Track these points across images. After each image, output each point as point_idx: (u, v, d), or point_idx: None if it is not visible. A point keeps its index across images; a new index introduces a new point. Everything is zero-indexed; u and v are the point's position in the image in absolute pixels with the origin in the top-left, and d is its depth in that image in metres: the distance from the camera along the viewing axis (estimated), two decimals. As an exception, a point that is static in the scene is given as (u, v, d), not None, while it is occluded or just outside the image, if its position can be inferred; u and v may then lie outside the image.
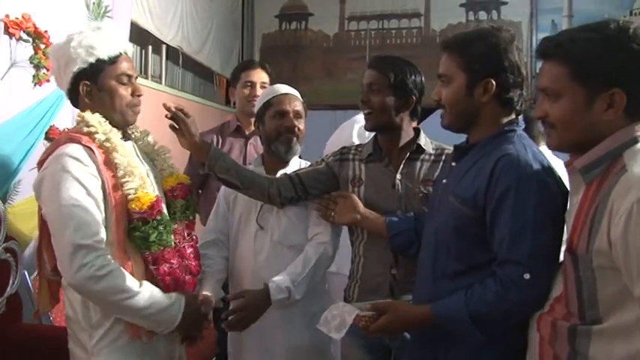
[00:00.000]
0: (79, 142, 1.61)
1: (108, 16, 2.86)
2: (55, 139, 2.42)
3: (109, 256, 1.55)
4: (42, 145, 2.37)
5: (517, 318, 1.39)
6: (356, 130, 2.63)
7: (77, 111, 2.54)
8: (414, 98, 1.88)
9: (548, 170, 1.43)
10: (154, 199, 1.64)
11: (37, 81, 2.33)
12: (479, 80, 1.50)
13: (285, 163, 2.11)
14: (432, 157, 1.89)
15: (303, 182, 1.98)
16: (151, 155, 1.87)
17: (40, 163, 1.67)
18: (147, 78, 4.42)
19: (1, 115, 2.19)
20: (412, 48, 5.99)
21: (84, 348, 1.63)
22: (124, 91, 1.71)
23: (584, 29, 1.22)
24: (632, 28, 1.16)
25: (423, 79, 1.91)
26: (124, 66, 1.71)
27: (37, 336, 2.09)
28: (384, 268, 1.88)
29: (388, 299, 1.74)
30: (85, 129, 1.64)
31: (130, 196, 1.60)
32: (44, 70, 2.33)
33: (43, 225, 1.67)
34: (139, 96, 1.76)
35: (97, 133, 1.63)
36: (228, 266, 2.10)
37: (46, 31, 2.30)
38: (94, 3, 2.71)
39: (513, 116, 1.56)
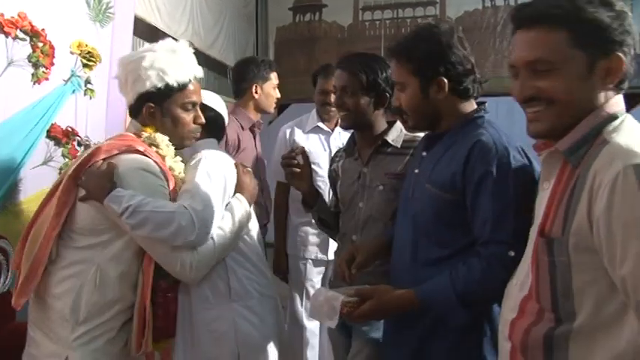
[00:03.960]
0: (154, 160, 1.65)
1: (110, 13, 2.86)
2: (57, 136, 2.45)
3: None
4: (43, 144, 2.39)
5: (499, 298, 1.38)
6: (287, 135, 2.99)
7: (80, 108, 2.59)
8: (388, 95, 1.91)
9: (523, 154, 1.46)
10: None
11: (36, 79, 2.34)
12: (431, 81, 1.55)
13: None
14: (399, 151, 1.92)
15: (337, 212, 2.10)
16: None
17: (90, 157, 1.66)
18: (157, 74, 4.44)
19: (0, 114, 2.20)
20: (428, 37, 5.89)
21: (57, 340, 1.62)
22: (187, 118, 1.75)
23: None
24: None
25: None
26: (191, 93, 1.74)
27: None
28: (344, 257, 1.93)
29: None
30: (154, 148, 1.68)
31: None
32: (43, 69, 2.35)
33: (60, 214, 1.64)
34: (201, 124, 1.79)
35: (166, 157, 1.70)
36: None
37: (43, 29, 2.32)
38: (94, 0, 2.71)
39: (473, 102, 1.60)
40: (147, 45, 1.85)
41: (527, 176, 1.42)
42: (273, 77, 3.05)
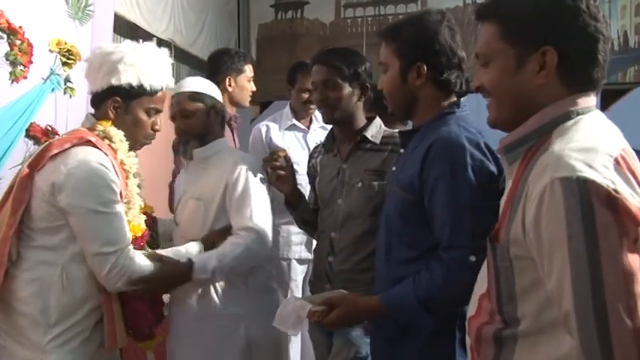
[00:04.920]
0: (105, 154, 1.64)
1: (89, 11, 2.85)
2: (36, 135, 2.42)
3: (131, 254, 1.65)
4: (22, 143, 2.37)
5: (465, 301, 1.35)
6: (264, 133, 2.99)
7: (60, 107, 2.57)
8: (368, 86, 1.92)
9: (485, 151, 1.42)
10: (140, 232, 1.74)
11: (14, 78, 2.33)
12: (411, 65, 1.52)
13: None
14: (378, 147, 1.91)
15: (316, 209, 2.08)
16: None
17: (43, 152, 1.63)
18: (138, 72, 4.41)
19: (-22, 113, 2.18)
20: (410, 34, 5.92)
21: (29, 345, 1.59)
22: (147, 123, 1.76)
23: None
24: None
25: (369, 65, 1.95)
26: (158, 100, 1.76)
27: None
28: (324, 254, 1.95)
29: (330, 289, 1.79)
30: (106, 141, 1.67)
31: None
32: (21, 67, 2.33)
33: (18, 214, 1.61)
34: (156, 131, 1.80)
35: (118, 150, 1.69)
36: None
37: (20, 27, 2.30)
38: (73, -3, 2.69)
39: (454, 98, 1.56)
40: (127, 41, 1.83)
41: (485, 175, 1.38)
42: (248, 69, 2.96)
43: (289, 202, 2.06)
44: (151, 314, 1.77)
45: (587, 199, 0.90)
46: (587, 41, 1.04)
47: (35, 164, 1.62)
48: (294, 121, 3.10)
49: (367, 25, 6.23)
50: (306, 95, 2.99)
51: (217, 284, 1.94)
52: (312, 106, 2.94)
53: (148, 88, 1.70)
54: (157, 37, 4.68)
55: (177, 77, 5.31)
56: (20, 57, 2.29)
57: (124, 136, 1.72)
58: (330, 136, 2.02)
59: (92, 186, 1.59)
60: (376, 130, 1.94)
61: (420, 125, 1.57)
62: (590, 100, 1.07)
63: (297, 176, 2.11)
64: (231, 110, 3.00)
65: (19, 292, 1.61)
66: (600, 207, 0.90)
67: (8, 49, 2.28)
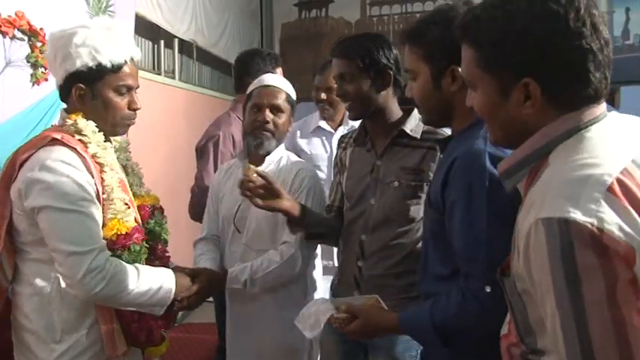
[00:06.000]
0: (73, 148, 1.54)
1: (110, 11, 2.86)
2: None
3: (110, 257, 1.54)
4: (43, 146, 2.38)
5: (481, 331, 1.31)
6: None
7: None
8: (391, 73, 1.79)
9: None
10: (125, 230, 1.58)
11: (35, 80, 2.33)
12: (443, 69, 1.42)
13: (258, 158, 2.07)
14: (416, 143, 1.79)
15: (341, 208, 1.99)
16: (126, 168, 1.81)
17: (13, 161, 1.56)
18: (160, 74, 4.43)
19: (-2, 116, 2.20)
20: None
21: None
22: (121, 103, 1.63)
23: (488, 3, 1.01)
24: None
25: (395, 50, 1.83)
26: (126, 76, 1.62)
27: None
28: (352, 259, 1.86)
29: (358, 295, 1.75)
30: (77, 136, 1.57)
31: (105, 221, 1.57)
32: (42, 69, 2.34)
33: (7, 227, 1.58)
34: (136, 110, 1.67)
35: (90, 143, 1.57)
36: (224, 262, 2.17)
37: (41, 29, 2.31)
38: (94, -3, 2.71)
39: None
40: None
41: (504, 199, 1.22)
42: (279, 72, 2.93)
43: (291, 220, 1.85)
44: (149, 320, 1.67)
45: (568, 242, 0.84)
46: (573, 63, 0.95)
47: (9, 177, 1.55)
48: (321, 123, 3.06)
49: (394, 23, 6.19)
50: (316, 94, 2.95)
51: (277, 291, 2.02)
52: (326, 107, 2.90)
53: (108, 66, 1.57)
54: (179, 38, 4.71)
55: (200, 79, 5.38)
56: (41, 59, 2.30)
57: (99, 125, 1.61)
58: (362, 128, 1.90)
59: (56, 185, 1.48)
60: (415, 123, 1.80)
61: (457, 132, 1.49)
62: (592, 112, 0.98)
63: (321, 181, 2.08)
64: None
65: (23, 307, 1.58)
66: (582, 250, 0.84)
67: (29, 51, 2.29)
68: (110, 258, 1.53)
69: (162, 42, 4.52)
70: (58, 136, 1.55)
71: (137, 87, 1.67)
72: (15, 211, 1.55)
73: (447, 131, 1.76)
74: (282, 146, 2.12)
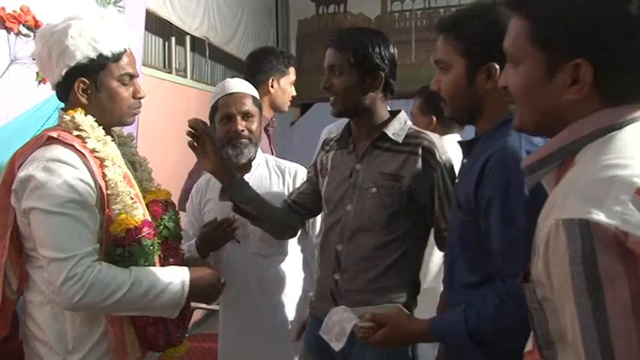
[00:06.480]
0: (70, 145, 1.54)
1: (119, 7, 2.87)
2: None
3: (94, 263, 1.50)
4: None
5: (520, 336, 1.26)
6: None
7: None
8: (383, 74, 1.76)
9: None
10: (134, 224, 1.57)
11: (42, 78, 2.34)
12: (480, 65, 1.41)
13: (243, 167, 2.12)
14: (399, 148, 1.75)
15: (302, 205, 2.00)
16: (133, 164, 1.81)
17: (11, 166, 1.57)
18: (171, 72, 4.45)
19: (2, 116, 2.21)
20: (464, 28, 5.84)
21: None
22: (126, 93, 1.64)
23: None
24: None
25: (395, 51, 1.80)
26: (127, 65, 1.64)
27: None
28: (329, 271, 1.83)
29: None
30: (75, 132, 1.57)
31: (112, 217, 1.55)
32: (48, 67, 2.35)
33: (13, 232, 1.58)
34: (141, 98, 1.69)
35: (88, 138, 1.57)
36: None
37: (47, 24, 2.31)
38: (103, -8, 2.72)
39: None
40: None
41: (543, 195, 1.29)
42: (292, 72, 2.93)
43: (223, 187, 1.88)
44: (166, 321, 1.65)
45: (590, 245, 0.81)
46: (637, 52, 0.91)
47: (9, 182, 1.55)
48: None
49: (416, 19, 6.16)
50: None
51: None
52: None
53: (109, 55, 1.58)
54: (191, 35, 4.73)
55: (213, 77, 5.39)
56: (47, 56, 2.32)
57: (106, 117, 1.62)
58: (346, 129, 1.88)
59: (46, 185, 1.47)
60: (399, 126, 1.78)
61: (483, 133, 1.48)
62: (633, 111, 0.94)
63: None
64: (269, 114, 2.96)
65: (35, 316, 1.58)
66: (605, 254, 0.81)
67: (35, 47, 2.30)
68: (93, 264, 1.49)
69: (173, 39, 4.55)
70: (54, 134, 1.55)
71: (137, 76, 1.69)
72: (17, 216, 1.56)
73: (433, 135, 1.78)
74: (259, 149, 2.22)
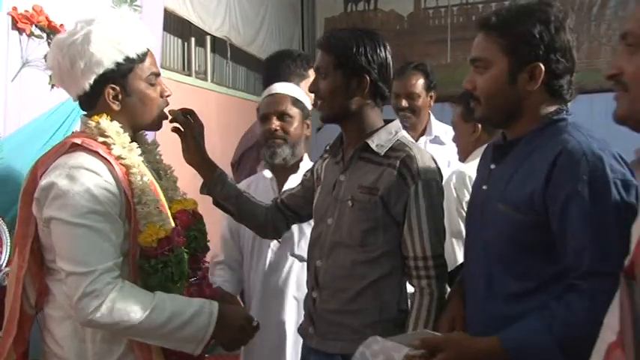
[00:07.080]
0: (95, 152, 1.55)
1: (136, 6, 2.89)
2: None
3: (114, 279, 1.51)
4: (62, 154, 2.41)
5: None
6: None
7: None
8: (368, 78, 1.73)
9: (621, 162, 1.36)
10: (165, 234, 1.58)
11: (55, 82, 2.36)
12: (524, 65, 1.45)
13: (289, 168, 2.26)
14: (379, 160, 1.73)
15: (290, 207, 2.01)
16: (158, 172, 1.83)
17: (34, 175, 1.60)
18: (190, 75, 4.48)
19: (14, 121, 2.23)
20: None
21: None
22: (154, 94, 1.68)
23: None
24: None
25: (387, 53, 1.77)
26: (151, 64, 1.67)
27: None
28: (309, 288, 1.84)
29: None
30: (100, 138, 1.59)
31: (140, 227, 1.57)
32: (62, 70, 2.37)
33: (33, 242, 1.60)
34: (168, 96, 1.73)
35: (114, 144, 1.59)
36: (245, 285, 2.31)
37: (61, 25, 2.33)
38: (119, -10, 2.75)
39: (558, 104, 1.49)
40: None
41: (629, 189, 1.32)
42: (312, 74, 2.97)
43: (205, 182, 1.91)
44: None
45: None
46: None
47: (31, 192, 1.57)
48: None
49: (452, 17, 6.11)
50: (400, 101, 2.99)
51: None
52: (408, 114, 2.96)
53: (135, 57, 1.60)
54: (211, 35, 4.75)
55: (234, 80, 5.41)
56: (61, 58, 2.34)
57: (137, 121, 1.66)
58: (339, 137, 1.89)
59: (68, 194, 1.48)
60: (386, 137, 1.76)
61: (518, 135, 1.51)
62: None
63: None
64: None
65: (55, 332, 1.59)
66: None
67: (48, 49, 2.32)
68: (114, 281, 1.50)
69: (193, 40, 4.58)
70: (78, 141, 1.57)
71: (160, 74, 1.73)
72: (39, 225, 1.57)
73: (418, 150, 1.73)
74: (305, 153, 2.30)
